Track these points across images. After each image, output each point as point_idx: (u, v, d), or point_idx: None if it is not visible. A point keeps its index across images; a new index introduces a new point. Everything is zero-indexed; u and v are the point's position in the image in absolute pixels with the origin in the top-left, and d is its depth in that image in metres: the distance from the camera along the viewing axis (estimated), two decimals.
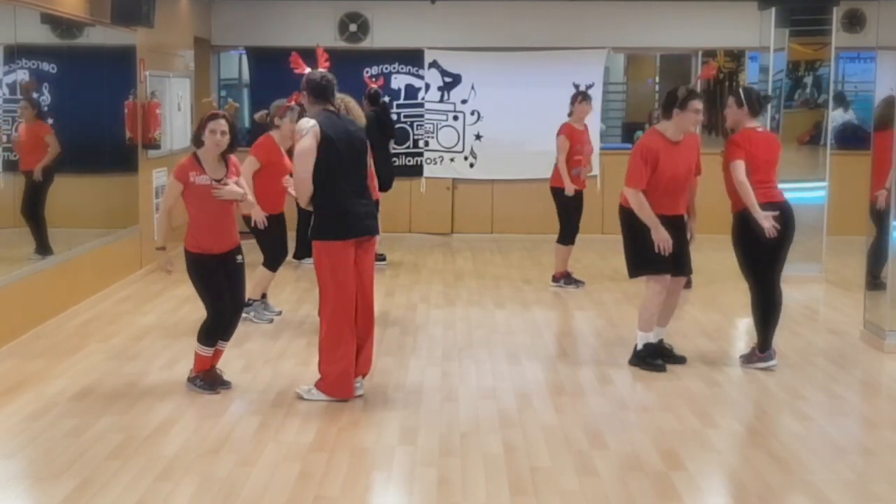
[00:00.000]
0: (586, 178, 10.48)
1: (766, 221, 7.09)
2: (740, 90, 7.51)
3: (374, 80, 11.85)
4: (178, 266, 6.73)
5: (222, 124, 6.56)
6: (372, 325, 6.71)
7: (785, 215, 7.22)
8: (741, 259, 7.42)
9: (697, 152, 7.46)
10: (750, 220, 7.13)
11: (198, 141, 6.60)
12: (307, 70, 6.65)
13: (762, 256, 7.29)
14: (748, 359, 7.49)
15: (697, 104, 7.23)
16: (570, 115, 10.37)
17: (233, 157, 6.75)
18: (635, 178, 7.19)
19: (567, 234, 10.42)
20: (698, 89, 8.72)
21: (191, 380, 6.78)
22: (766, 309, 7.38)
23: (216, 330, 6.72)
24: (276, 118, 8.53)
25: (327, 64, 6.77)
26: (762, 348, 7.42)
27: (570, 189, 10.18)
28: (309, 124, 6.32)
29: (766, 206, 7.14)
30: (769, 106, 9.42)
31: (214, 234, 6.63)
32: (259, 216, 8.24)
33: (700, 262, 10.50)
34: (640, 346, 7.47)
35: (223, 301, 6.70)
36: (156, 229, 6.82)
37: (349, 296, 6.45)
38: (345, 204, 6.40)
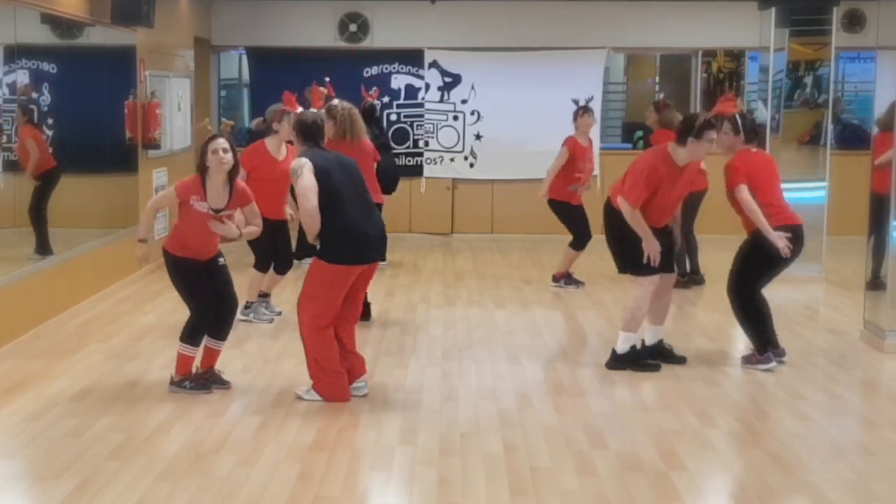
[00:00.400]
0: (582, 193, 10.46)
1: (780, 241, 7.14)
2: (737, 116, 7.47)
3: (370, 93, 11.71)
4: (155, 257, 6.74)
5: (221, 142, 6.56)
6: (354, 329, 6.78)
7: (799, 239, 7.27)
8: (744, 274, 7.37)
9: (696, 171, 7.60)
10: (765, 241, 7.16)
11: (203, 168, 6.58)
12: (299, 109, 6.70)
13: (764, 274, 7.36)
14: (748, 360, 7.51)
15: (712, 135, 7.16)
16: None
17: (240, 184, 6.71)
18: (634, 196, 7.14)
19: (581, 240, 10.43)
20: (699, 94, 8.80)
21: (176, 383, 6.71)
22: (755, 315, 7.41)
23: (200, 329, 6.70)
24: (273, 123, 8.54)
25: (321, 102, 6.80)
26: (760, 351, 7.43)
27: (543, 193, 10.28)
28: (301, 162, 6.36)
29: (782, 228, 7.19)
30: (762, 119, 9.46)
31: (199, 245, 6.65)
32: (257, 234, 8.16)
33: (701, 263, 10.51)
34: (622, 350, 7.41)
35: (205, 300, 6.68)
36: (140, 222, 6.88)
37: (335, 311, 6.46)
38: (357, 227, 6.40)
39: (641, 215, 7.18)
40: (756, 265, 7.35)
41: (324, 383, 6.50)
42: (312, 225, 6.33)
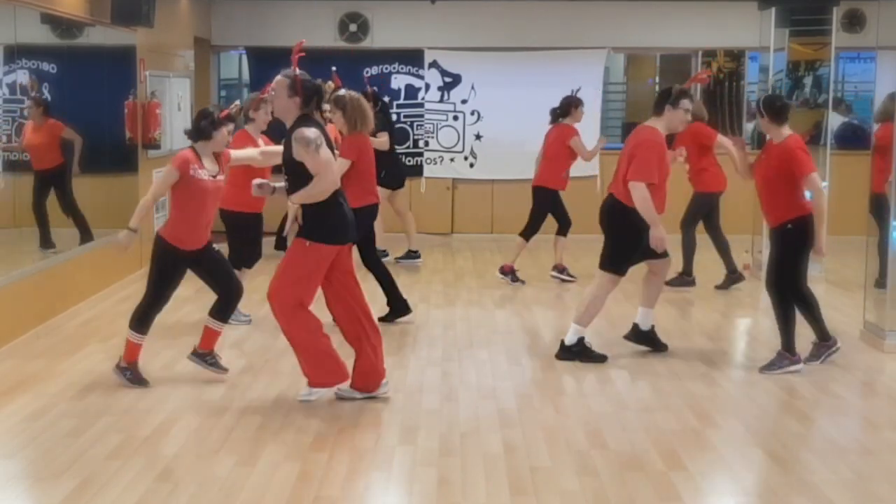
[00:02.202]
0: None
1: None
2: (761, 101, 7.45)
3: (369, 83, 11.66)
4: (133, 248, 6.83)
5: (230, 126, 6.82)
6: (377, 328, 6.64)
7: None
8: (799, 267, 7.37)
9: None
10: (808, 229, 7.21)
11: (206, 134, 6.66)
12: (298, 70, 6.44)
13: (804, 261, 7.42)
14: (776, 363, 7.33)
15: (688, 104, 7.45)
16: (564, 119, 10.52)
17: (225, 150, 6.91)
18: (647, 171, 7.19)
19: (568, 226, 10.70)
20: (692, 90, 8.85)
21: (122, 369, 6.82)
22: (793, 310, 7.39)
23: (150, 319, 6.84)
24: (250, 111, 8.38)
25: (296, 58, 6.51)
26: (792, 350, 7.36)
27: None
28: (315, 134, 6.12)
29: (806, 217, 7.25)
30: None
31: (194, 231, 6.73)
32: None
33: (702, 262, 10.50)
34: (570, 342, 7.56)
35: (167, 296, 6.86)
36: (136, 213, 6.73)
37: (312, 296, 6.40)
38: (346, 206, 6.37)
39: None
40: (800, 253, 7.33)
41: (323, 369, 6.39)
42: (319, 199, 6.18)
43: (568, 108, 10.54)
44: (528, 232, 10.70)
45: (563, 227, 10.75)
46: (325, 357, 6.42)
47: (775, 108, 7.27)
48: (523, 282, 10.59)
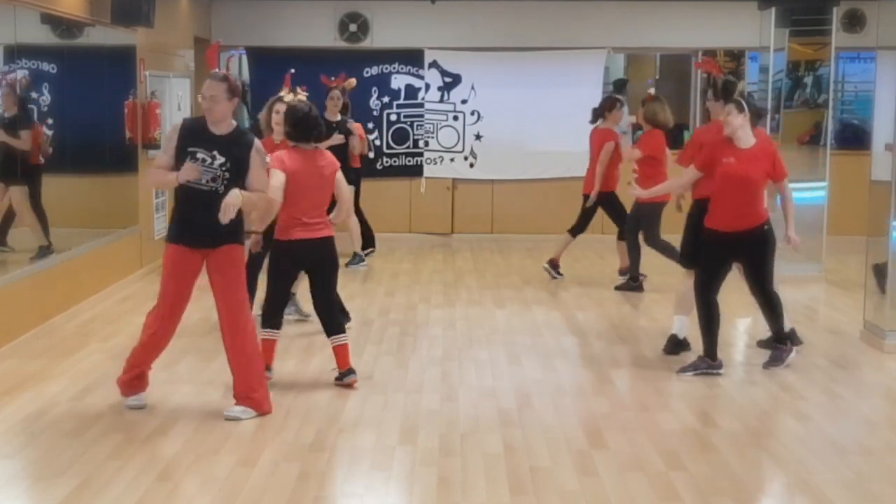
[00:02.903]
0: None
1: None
2: (740, 98, 7.47)
3: (333, 80, 11.06)
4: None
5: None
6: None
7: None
8: (771, 268, 7.40)
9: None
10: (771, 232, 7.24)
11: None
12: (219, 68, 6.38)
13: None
14: (777, 358, 7.40)
15: None
16: (604, 121, 10.47)
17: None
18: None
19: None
20: (699, 94, 8.84)
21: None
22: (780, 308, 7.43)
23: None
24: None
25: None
26: (788, 341, 7.45)
27: (595, 196, 10.47)
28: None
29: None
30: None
31: (307, 221, 6.73)
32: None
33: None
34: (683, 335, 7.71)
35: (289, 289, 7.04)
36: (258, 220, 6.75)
37: None
38: None
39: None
40: (772, 257, 7.37)
41: (263, 394, 6.27)
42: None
43: (602, 109, 10.49)
44: (577, 230, 10.68)
45: (622, 231, 10.48)
46: (265, 382, 6.37)
47: (753, 108, 7.34)
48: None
